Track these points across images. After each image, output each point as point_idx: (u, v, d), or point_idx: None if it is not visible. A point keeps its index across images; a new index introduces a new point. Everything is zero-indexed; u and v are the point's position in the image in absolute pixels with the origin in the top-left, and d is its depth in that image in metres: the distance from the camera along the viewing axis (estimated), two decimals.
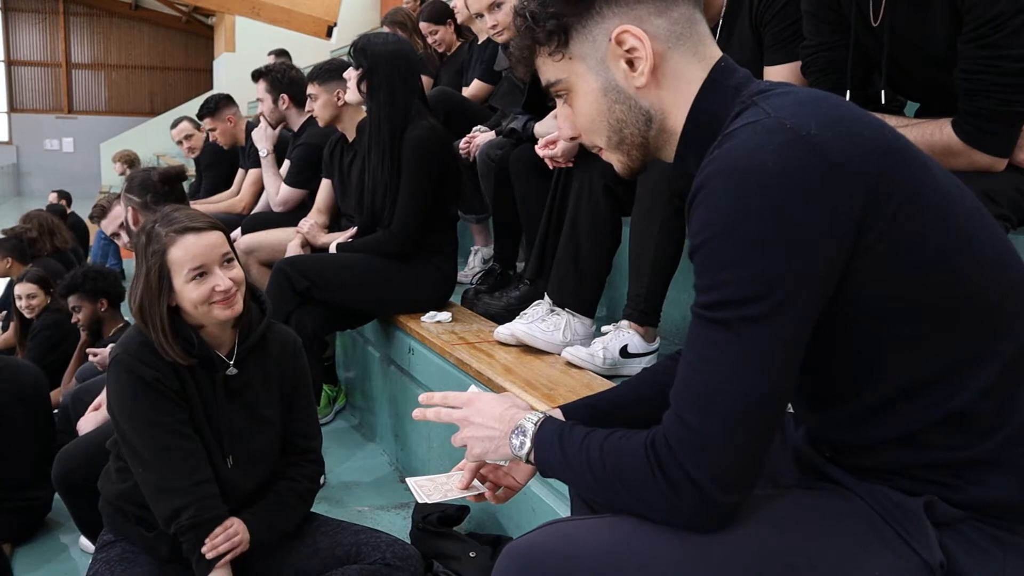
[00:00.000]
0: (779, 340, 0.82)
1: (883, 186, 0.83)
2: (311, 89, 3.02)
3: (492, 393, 1.14)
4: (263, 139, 3.67)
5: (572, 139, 1.06)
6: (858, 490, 0.93)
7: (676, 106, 0.96)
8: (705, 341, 0.85)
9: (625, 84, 0.96)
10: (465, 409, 1.10)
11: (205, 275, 1.61)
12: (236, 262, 1.68)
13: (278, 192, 3.61)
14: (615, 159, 1.03)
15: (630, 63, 0.95)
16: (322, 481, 2.27)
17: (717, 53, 0.98)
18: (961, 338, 0.87)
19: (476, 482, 1.16)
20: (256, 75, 3.72)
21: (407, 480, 1.23)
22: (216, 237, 1.65)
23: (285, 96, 3.65)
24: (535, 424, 1.01)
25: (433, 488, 1.18)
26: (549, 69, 1.00)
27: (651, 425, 1.13)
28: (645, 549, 0.86)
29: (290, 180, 3.59)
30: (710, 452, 0.84)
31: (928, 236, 0.85)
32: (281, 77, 3.66)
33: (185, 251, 1.61)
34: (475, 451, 1.07)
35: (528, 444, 1.00)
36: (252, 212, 3.92)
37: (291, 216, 3.42)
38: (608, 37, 0.94)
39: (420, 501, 1.17)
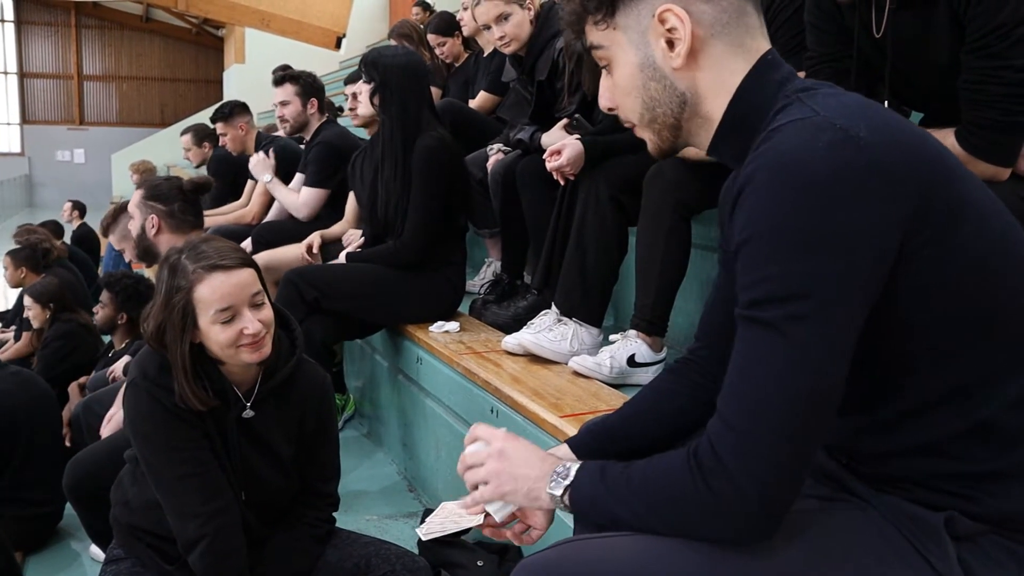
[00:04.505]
0: (825, 340, 0.80)
1: (929, 195, 0.82)
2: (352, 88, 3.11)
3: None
4: (263, 168, 3.73)
5: (610, 110, 1.04)
6: (875, 503, 0.92)
7: (713, 93, 0.95)
8: (749, 343, 0.84)
9: (662, 63, 0.95)
10: (501, 442, 1.03)
11: (233, 316, 1.52)
12: (267, 301, 1.60)
13: (298, 202, 3.61)
14: (647, 136, 1.02)
15: (669, 43, 0.94)
16: None
17: (765, 46, 0.96)
18: (995, 350, 0.87)
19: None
20: (283, 78, 3.75)
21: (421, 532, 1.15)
22: (247, 275, 1.56)
23: (315, 100, 3.71)
24: (577, 464, 0.97)
25: (441, 521, 1.13)
26: (594, 34, 1.00)
27: (655, 447, 1.13)
28: (664, 567, 0.86)
29: (311, 180, 3.57)
30: (757, 456, 0.81)
31: (968, 247, 0.85)
32: (312, 82, 3.75)
33: (213, 290, 1.51)
34: (503, 488, 1.00)
35: (568, 480, 0.95)
36: (262, 222, 3.94)
37: (305, 226, 3.43)
38: (652, 13, 0.94)
39: (424, 534, 1.12)
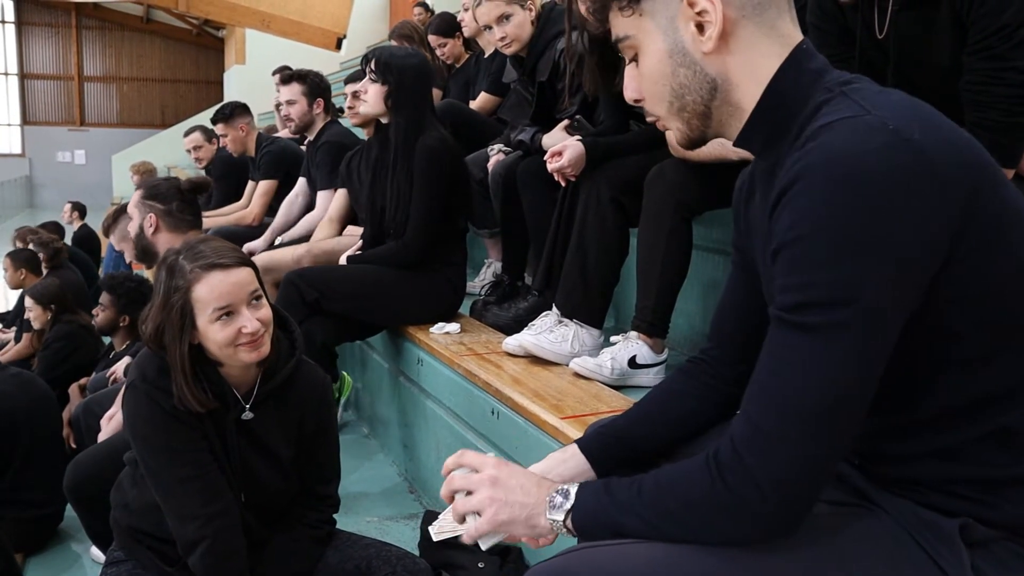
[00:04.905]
0: (864, 346, 0.80)
1: (978, 199, 0.81)
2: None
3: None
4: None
5: (636, 102, 1.00)
6: (888, 508, 0.91)
7: (745, 79, 0.92)
8: (785, 345, 0.82)
9: (692, 48, 0.92)
10: (493, 469, 0.98)
11: (231, 315, 1.52)
12: (264, 299, 1.59)
13: (319, 213, 3.58)
14: (675, 127, 0.98)
15: (699, 27, 0.90)
16: None
17: (798, 33, 0.93)
18: None
19: None
20: (290, 77, 3.76)
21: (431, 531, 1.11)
22: (245, 274, 1.55)
23: (321, 100, 3.72)
24: (576, 486, 0.94)
25: (452, 521, 1.07)
26: (619, 24, 0.97)
27: (665, 448, 1.11)
28: (675, 572, 0.85)
29: (325, 183, 3.57)
30: (779, 456, 0.81)
31: (1011, 254, 0.83)
32: (319, 82, 3.77)
33: (211, 289, 1.51)
34: (500, 517, 0.95)
35: (570, 502, 0.92)
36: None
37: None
38: None
39: (436, 534, 1.07)
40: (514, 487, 0.96)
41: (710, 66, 0.92)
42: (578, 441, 1.16)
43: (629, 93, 1.01)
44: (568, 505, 0.93)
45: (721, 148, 1.79)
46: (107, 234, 3.18)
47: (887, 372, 0.84)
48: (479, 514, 0.97)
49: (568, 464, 1.13)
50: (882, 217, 0.77)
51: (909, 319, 0.82)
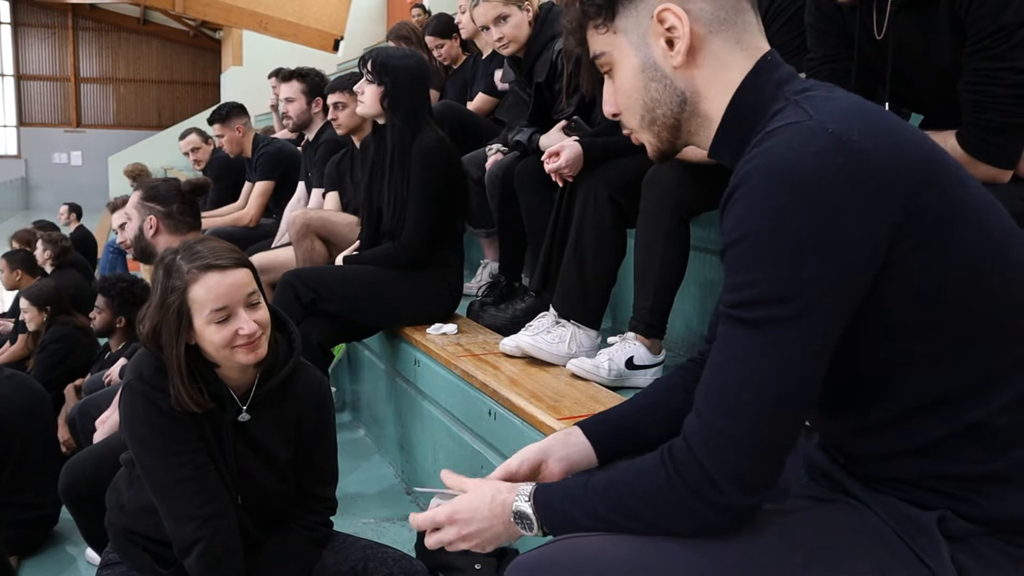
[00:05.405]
0: (806, 342, 0.82)
1: (921, 197, 0.83)
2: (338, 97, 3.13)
3: (464, 490, 1.07)
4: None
5: (614, 116, 1.05)
6: (871, 503, 0.93)
7: (712, 91, 0.96)
8: (731, 341, 0.85)
9: (663, 62, 0.97)
10: (443, 513, 1.03)
11: (228, 317, 1.52)
12: (263, 301, 1.59)
13: (314, 206, 3.57)
14: (646, 140, 1.03)
15: (669, 42, 0.95)
16: None
17: (764, 45, 0.98)
18: (990, 353, 0.87)
19: None
20: (290, 75, 3.76)
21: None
22: (242, 275, 1.55)
23: (319, 99, 3.73)
24: (528, 498, 0.98)
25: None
26: (595, 41, 1.02)
27: (660, 441, 1.14)
28: (660, 561, 0.86)
29: (320, 182, 3.54)
30: (730, 451, 0.84)
31: (963, 251, 0.85)
32: (319, 81, 3.78)
33: (208, 290, 1.51)
34: (486, 545, 1.03)
35: (535, 523, 0.97)
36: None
37: None
38: (651, 14, 0.96)
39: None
40: (473, 515, 1.01)
41: (680, 80, 0.97)
42: (580, 423, 1.18)
43: (607, 108, 1.06)
44: (535, 527, 0.97)
45: None
46: (113, 211, 3.18)
47: (851, 371, 0.87)
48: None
49: (573, 447, 1.15)
50: (820, 218, 0.81)
51: (865, 318, 0.85)
